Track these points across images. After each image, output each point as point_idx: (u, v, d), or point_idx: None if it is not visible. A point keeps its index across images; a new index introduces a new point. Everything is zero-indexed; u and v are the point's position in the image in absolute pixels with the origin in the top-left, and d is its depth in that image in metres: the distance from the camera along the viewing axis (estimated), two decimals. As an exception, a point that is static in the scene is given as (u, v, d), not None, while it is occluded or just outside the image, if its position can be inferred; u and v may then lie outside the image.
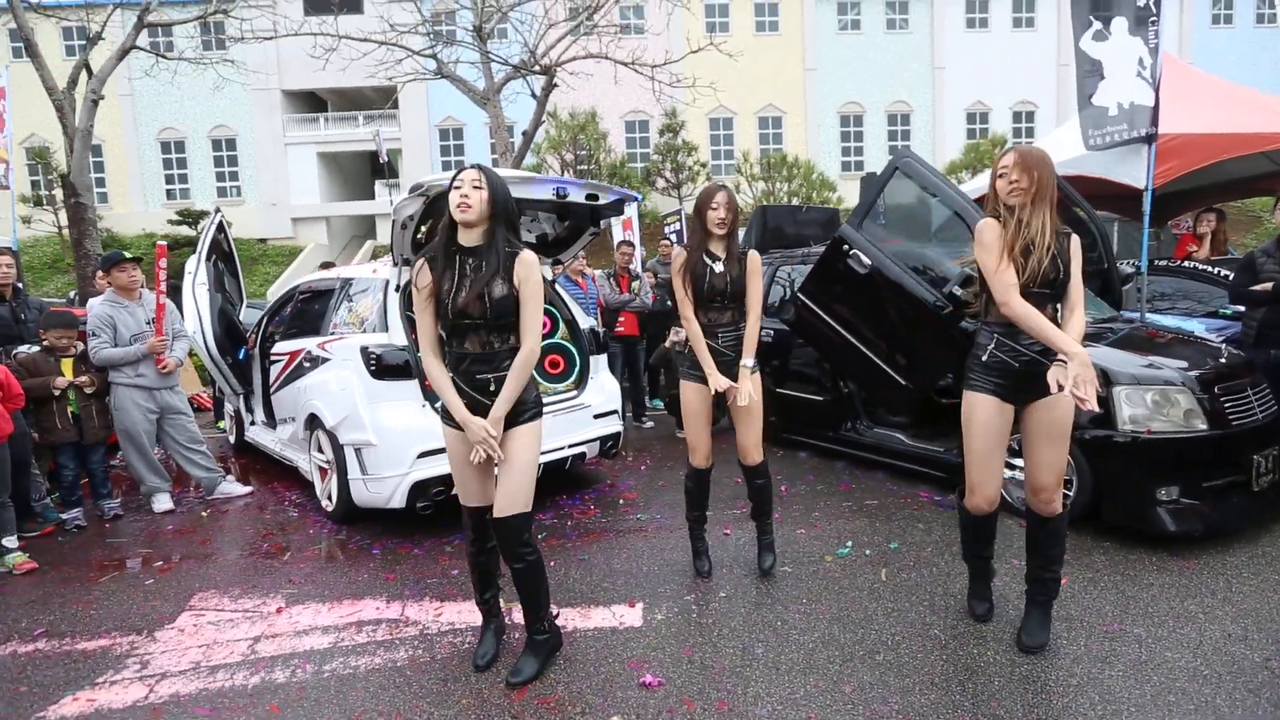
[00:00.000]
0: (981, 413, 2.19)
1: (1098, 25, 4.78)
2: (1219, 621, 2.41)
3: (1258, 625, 2.37)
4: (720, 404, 2.86)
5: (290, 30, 7.55)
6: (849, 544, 3.24)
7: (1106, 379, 3.10)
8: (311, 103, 26.59)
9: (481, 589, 2.34)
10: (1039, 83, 25.47)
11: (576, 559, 3.22)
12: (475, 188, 2.02)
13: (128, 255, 4.30)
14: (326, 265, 9.23)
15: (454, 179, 2.06)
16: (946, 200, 3.64)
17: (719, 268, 2.71)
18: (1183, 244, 5.70)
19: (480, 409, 2.08)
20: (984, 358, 2.20)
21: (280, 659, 2.44)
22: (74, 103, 8.39)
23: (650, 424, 6.07)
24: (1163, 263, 5.28)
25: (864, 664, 2.24)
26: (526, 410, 2.13)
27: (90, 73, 8.40)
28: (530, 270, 2.05)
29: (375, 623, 2.68)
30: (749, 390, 2.71)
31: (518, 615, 2.39)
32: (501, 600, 2.43)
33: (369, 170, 24.46)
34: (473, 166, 2.07)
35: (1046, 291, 2.11)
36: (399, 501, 3.44)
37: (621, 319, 5.90)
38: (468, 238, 2.06)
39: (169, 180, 24.79)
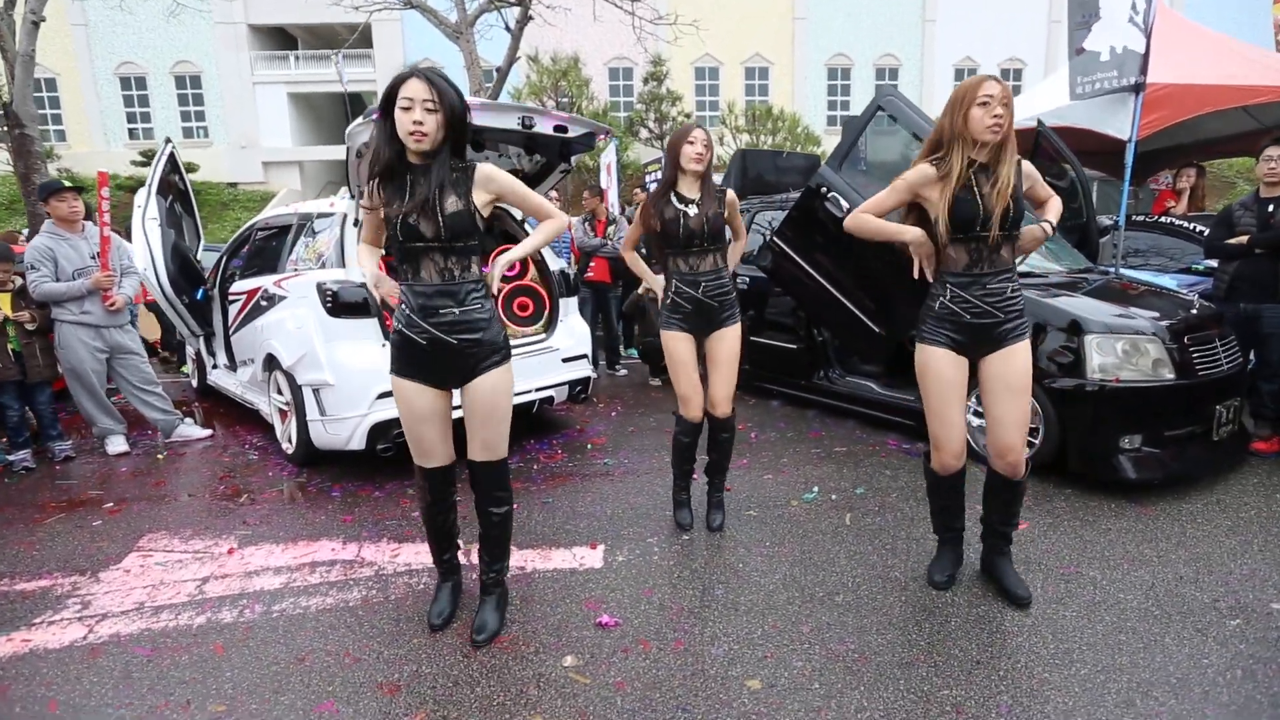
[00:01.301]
0: (935, 365, 2.08)
1: (1092, -32, 4.56)
2: (1172, 565, 2.41)
3: (1208, 569, 2.38)
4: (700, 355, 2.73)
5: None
6: (815, 489, 3.20)
7: (1078, 328, 3.05)
8: (281, 39, 25.20)
9: (441, 549, 2.15)
10: (1029, 40, 24.99)
11: (540, 502, 3.15)
12: (429, 110, 1.70)
13: (67, 184, 4.01)
14: None
15: (397, 89, 1.71)
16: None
17: (693, 210, 2.55)
18: (1161, 199, 5.63)
19: (444, 350, 1.83)
20: (936, 308, 2.08)
21: (228, 599, 2.35)
22: (13, 25, 7.76)
23: (624, 372, 5.98)
24: (1140, 218, 5.21)
25: (823, 605, 2.21)
26: (496, 353, 1.90)
27: (29, -8, 7.74)
28: (496, 174, 1.85)
29: (329, 564, 2.59)
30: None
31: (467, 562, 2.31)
32: (461, 548, 2.33)
33: (344, 112, 23.35)
34: (417, 75, 1.70)
35: (1001, 233, 1.99)
36: (358, 443, 3.32)
37: (593, 264, 5.73)
38: (414, 156, 1.81)
39: (130, 119, 23.52)
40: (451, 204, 1.77)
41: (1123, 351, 2.99)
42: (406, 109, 1.72)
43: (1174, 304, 3.39)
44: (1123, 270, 4.66)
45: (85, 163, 22.10)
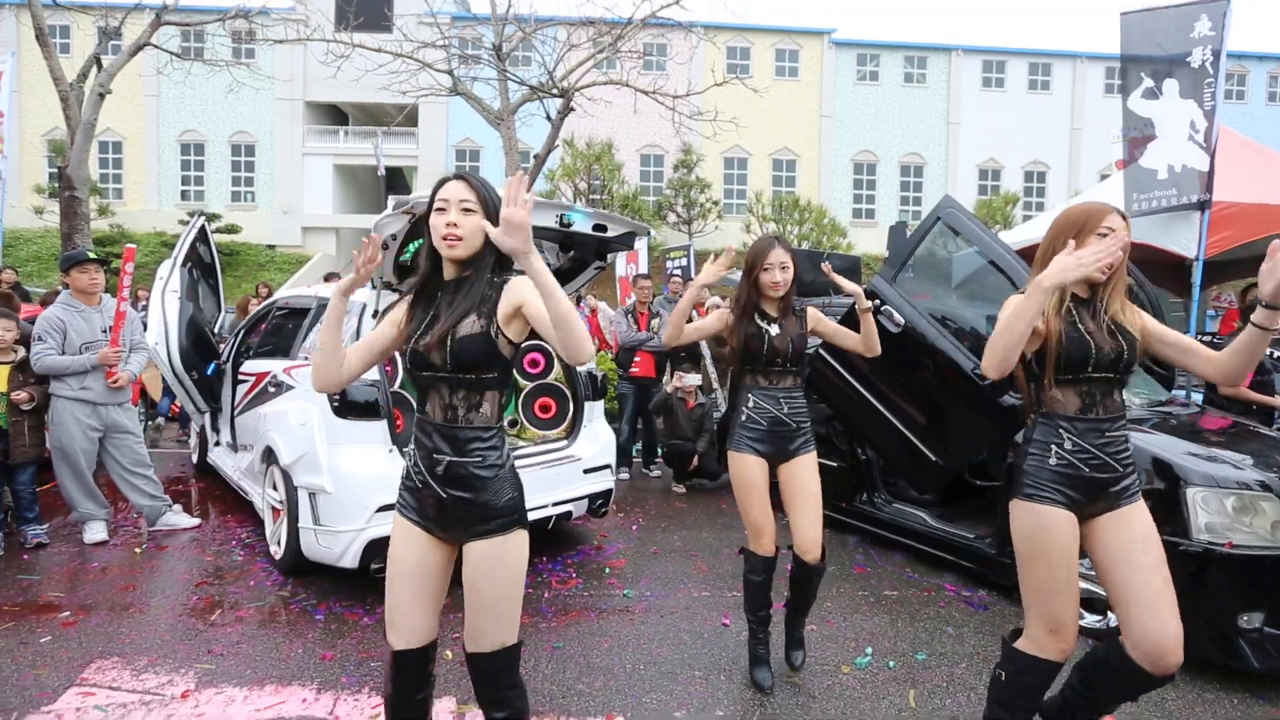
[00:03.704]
0: (1054, 529, 1.68)
1: (1149, 83, 4.44)
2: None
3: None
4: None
5: (305, 36, 7.30)
6: (868, 650, 2.74)
7: (1175, 478, 2.64)
8: (334, 115, 26.67)
9: None
10: (1052, 144, 25.56)
11: (549, 646, 2.72)
12: (465, 210, 1.48)
13: (91, 255, 3.89)
14: (331, 277, 8.83)
15: (435, 194, 1.51)
16: (993, 256, 3.22)
17: (775, 330, 2.37)
18: (1228, 319, 5.29)
19: (437, 502, 1.49)
20: (1052, 462, 1.71)
21: (167, 771, 1.93)
22: (81, 95, 8.09)
23: (657, 473, 5.61)
24: (1207, 338, 4.86)
25: (898, 842, 1.74)
26: (494, 518, 1.50)
27: (100, 67, 8.13)
28: (524, 285, 1.48)
29: (296, 723, 2.18)
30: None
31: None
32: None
33: (383, 185, 24.37)
34: (457, 178, 1.51)
35: (1112, 375, 1.70)
36: (350, 561, 2.96)
37: (637, 359, 5.48)
38: (453, 270, 1.54)
39: (185, 181, 24.70)
40: (468, 325, 1.46)
41: (1233, 509, 2.56)
42: (441, 210, 1.49)
43: (1275, 447, 2.98)
44: (1195, 395, 4.28)
45: (136, 220, 23.07)
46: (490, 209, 1.50)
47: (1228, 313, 5.42)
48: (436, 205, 1.50)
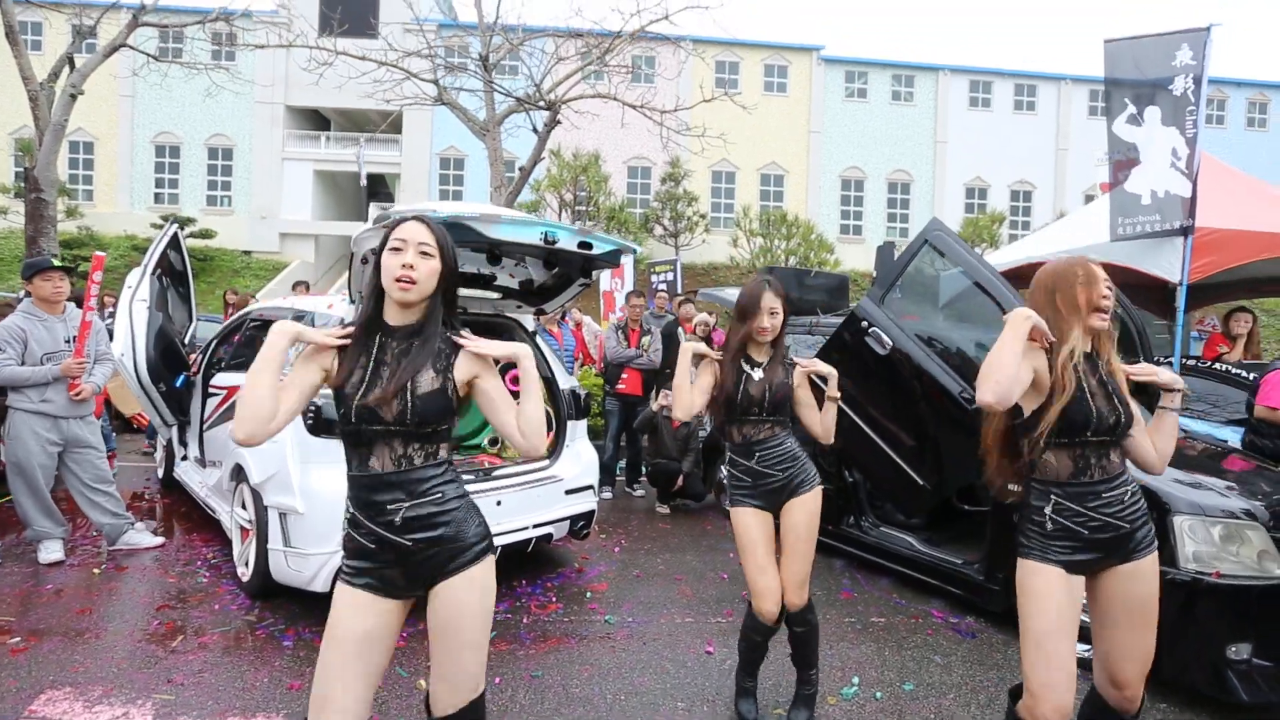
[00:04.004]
0: (1044, 589, 1.65)
1: (1132, 109, 4.56)
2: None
3: None
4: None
5: (287, 42, 7.26)
6: (855, 680, 2.72)
7: (1162, 506, 2.67)
8: (315, 120, 26.54)
9: None
10: (1037, 164, 26.14)
11: (527, 675, 2.67)
12: (423, 254, 1.44)
13: (56, 263, 3.80)
14: (299, 286, 8.71)
15: (389, 233, 1.46)
16: (980, 280, 3.27)
17: (757, 375, 2.30)
18: (1211, 343, 5.40)
19: (398, 553, 1.42)
20: (1046, 526, 1.69)
21: (120, 812, 1.86)
22: (52, 95, 7.98)
23: (641, 493, 5.58)
24: (1191, 362, 4.95)
25: None
26: (466, 550, 1.46)
27: (73, 67, 8.02)
28: (482, 367, 1.50)
29: (259, 759, 2.11)
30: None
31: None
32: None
33: (365, 192, 24.24)
34: (415, 218, 1.48)
35: (1108, 439, 1.67)
36: (322, 585, 2.89)
37: (624, 375, 5.46)
38: (399, 315, 1.49)
39: (159, 184, 24.37)
40: (426, 381, 1.43)
41: (1220, 538, 2.60)
42: (397, 250, 1.44)
43: (1265, 477, 3.03)
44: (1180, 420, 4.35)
45: (107, 222, 22.69)
46: (447, 257, 1.48)
47: (1211, 336, 5.54)
48: (392, 245, 1.45)
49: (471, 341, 1.50)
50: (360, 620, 1.43)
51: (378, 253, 1.49)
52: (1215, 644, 2.52)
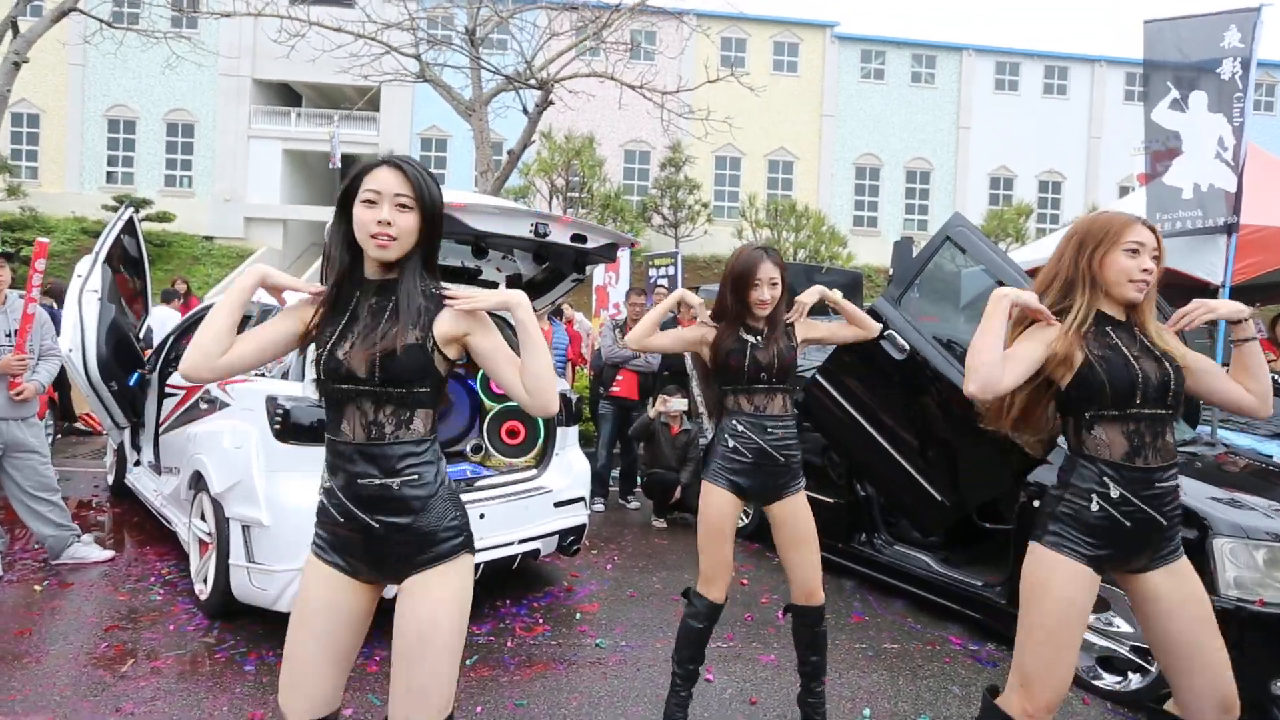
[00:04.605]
0: (1066, 588, 1.66)
1: (1175, 94, 4.57)
2: None
3: None
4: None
5: (255, 10, 7.24)
6: (866, 712, 2.73)
7: (1202, 526, 2.69)
8: (285, 95, 26.47)
9: None
10: (1068, 153, 26.26)
11: (510, 704, 2.67)
12: (400, 207, 1.42)
13: (-2, 249, 3.78)
14: None
15: (360, 180, 1.43)
16: (1005, 280, 3.28)
17: (759, 340, 2.33)
18: (1255, 351, 5.42)
19: (366, 534, 1.42)
20: (1093, 510, 1.67)
21: None
22: (-6, 64, 7.93)
23: (635, 504, 5.59)
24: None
25: None
26: (435, 544, 1.44)
27: (16, 32, 7.98)
28: (473, 323, 1.49)
29: (217, 795, 2.10)
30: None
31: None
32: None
33: (339, 174, 24.24)
34: (390, 162, 1.44)
35: (1162, 411, 1.67)
36: (287, 604, 2.87)
37: (619, 377, 5.46)
38: (376, 268, 1.49)
39: (111, 162, 24.26)
40: (398, 334, 1.41)
41: (1264, 562, 2.61)
42: (371, 203, 1.42)
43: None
44: (1220, 432, 4.38)
45: (54, 203, 22.56)
46: (427, 205, 1.45)
47: (1258, 343, 5.57)
48: (364, 196, 1.42)
49: (458, 296, 1.47)
50: (326, 593, 1.45)
51: (347, 201, 1.46)
52: (1259, 679, 2.54)
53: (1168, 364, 1.67)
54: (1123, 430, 1.67)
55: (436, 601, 1.42)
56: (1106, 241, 1.70)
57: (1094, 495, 1.68)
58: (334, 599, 1.45)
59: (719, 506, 2.32)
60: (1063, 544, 1.70)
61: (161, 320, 6.77)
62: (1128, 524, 1.66)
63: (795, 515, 2.38)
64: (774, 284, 2.31)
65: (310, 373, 3.03)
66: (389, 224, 1.40)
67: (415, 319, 1.43)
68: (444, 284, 1.53)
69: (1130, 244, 1.68)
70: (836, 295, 2.46)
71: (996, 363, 1.63)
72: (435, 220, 1.48)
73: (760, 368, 2.30)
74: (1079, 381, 1.68)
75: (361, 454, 1.42)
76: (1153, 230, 1.71)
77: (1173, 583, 1.69)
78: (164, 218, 21.32)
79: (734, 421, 2.35)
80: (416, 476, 1.43)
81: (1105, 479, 1.67)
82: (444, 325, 1.46)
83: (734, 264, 2.36)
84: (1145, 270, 1.67)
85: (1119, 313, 1.74)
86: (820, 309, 2.52)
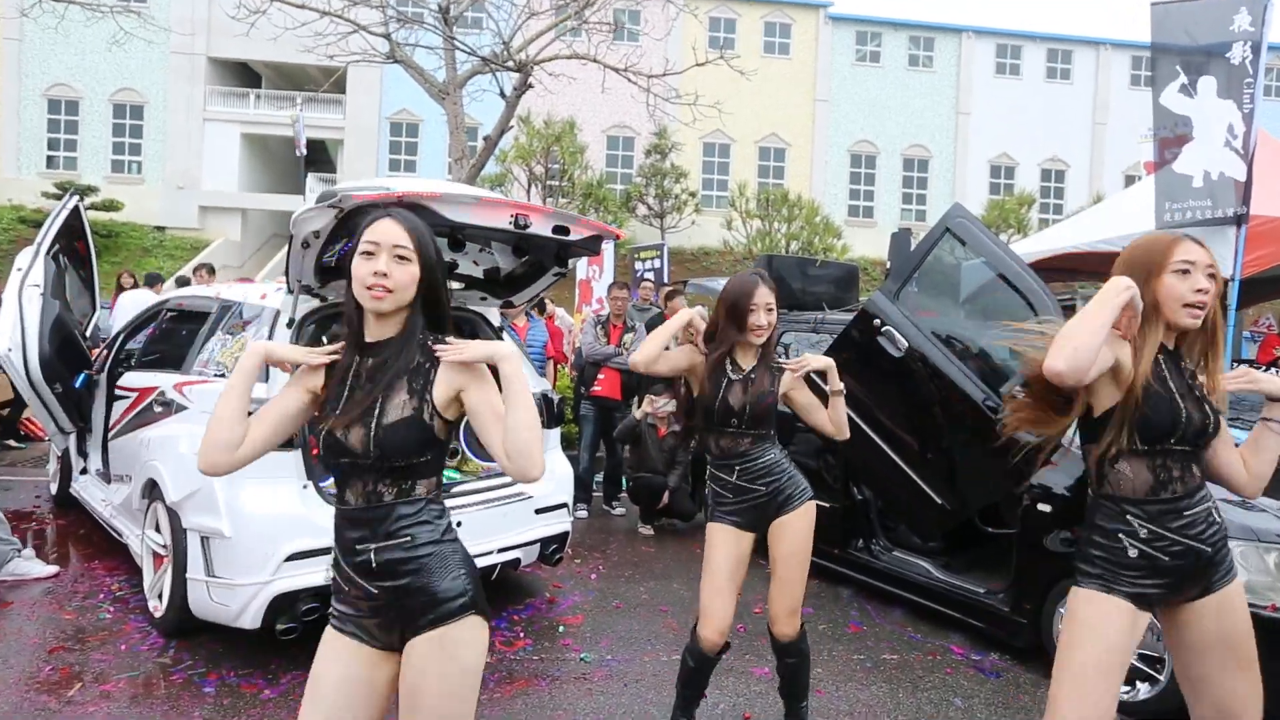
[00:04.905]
0: (1099, 619, 1.66)
1: (1183, 79, 4.65)
2: None
3: None
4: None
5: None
6: (865, 727, 2.77)
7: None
8: (243, 76, 26.20)
9: None
10: (1072, 140, 26.63)
11: (491, 724, 2.67)
12: (399, 258, 1.44)
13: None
14: (200, 271, 8.35)
15: (361, 230, 1.47)
16: (1007, 273, 3.33)
17: (739, 383, 2.37)
18: (1268, 346, 5.56)
19: (363, 602, 1.45)
20: (1131, 554, 1.68)
21: None
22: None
23: (621, 511, 5.60)
24: (1244, 364, 5.10)
25: None
26: (446, 600, 1.44)
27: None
28: (468, 376, 1.49)
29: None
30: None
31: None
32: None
33: (304, 161, 24.04)
34: (391, 215, 1.47)
35: (1191, 448, 1.68)
36: (251, 621, 2.86)
37: (601, 376, 5.47)
38: (375, 327, 1.50)
39: (53, 145, 23.88)
40: (396, 407, 1.43)
41: (1276, 566, 2.68)
42: (369, 255, 1.43)
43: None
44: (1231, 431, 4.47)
45: (-11, 191, 22.16)
46: (427, 258, 1.48)
47: (1267, 338, 5.69)
48: (363, 249, 1.45)
49: (448, 348, 1.47)
50: (339, 666, 1.45)
51: (321, 235, 1.47)
52: (1272, 690, 2.59)
53: (1208, 408, 1.68)
54: (1149, 465, 1.68)
55: (427, 668, 1.42)
56: (1157, 270, 1.68)
57: (1122, 536, 1.69)
58: (349, 673, 1.46)
59: (712, 542, 2.42)
60: (1101, 582, 1.70)
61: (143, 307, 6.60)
62: (1166, 559, 1.66)
63: (781, 535, 2.43)
64: (769, 309, 2.37)
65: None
66: (385, 275, 1.42)
67: (410, 383, 1.45)
68: (439, 338, 1.53)
69: (1179, 264, 1.65)
70: (840, 389, 2.48)
71: (1096, 347, 1.55)
72: (433, 276, 1.50)
73: (730, 412, 2.36)
74: (1111, 411, 1.68)
75: (358, 520, 1.46)
76: (1200, 246, 1.68)
77: (1216, 616, 1.69)
78: (111, 206, 21.00)
79: (709, 459, 2.48)
80: (410, 538, 1.45)
81: (1129, 518, 1.68)
82: (441, 386, 1.47)
83: (729, 290, 2.42)
84: (1199, 290, 1.64)
85: (1169, 339, 1.72)
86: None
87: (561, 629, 3.51)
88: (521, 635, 3.42)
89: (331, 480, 1.53)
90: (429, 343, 1.50)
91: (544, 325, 6.10)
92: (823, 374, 2.47)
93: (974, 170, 26.49)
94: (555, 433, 3.86)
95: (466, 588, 1.47)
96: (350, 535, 1.46)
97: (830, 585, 4.18)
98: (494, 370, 1.50)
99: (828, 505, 4.30)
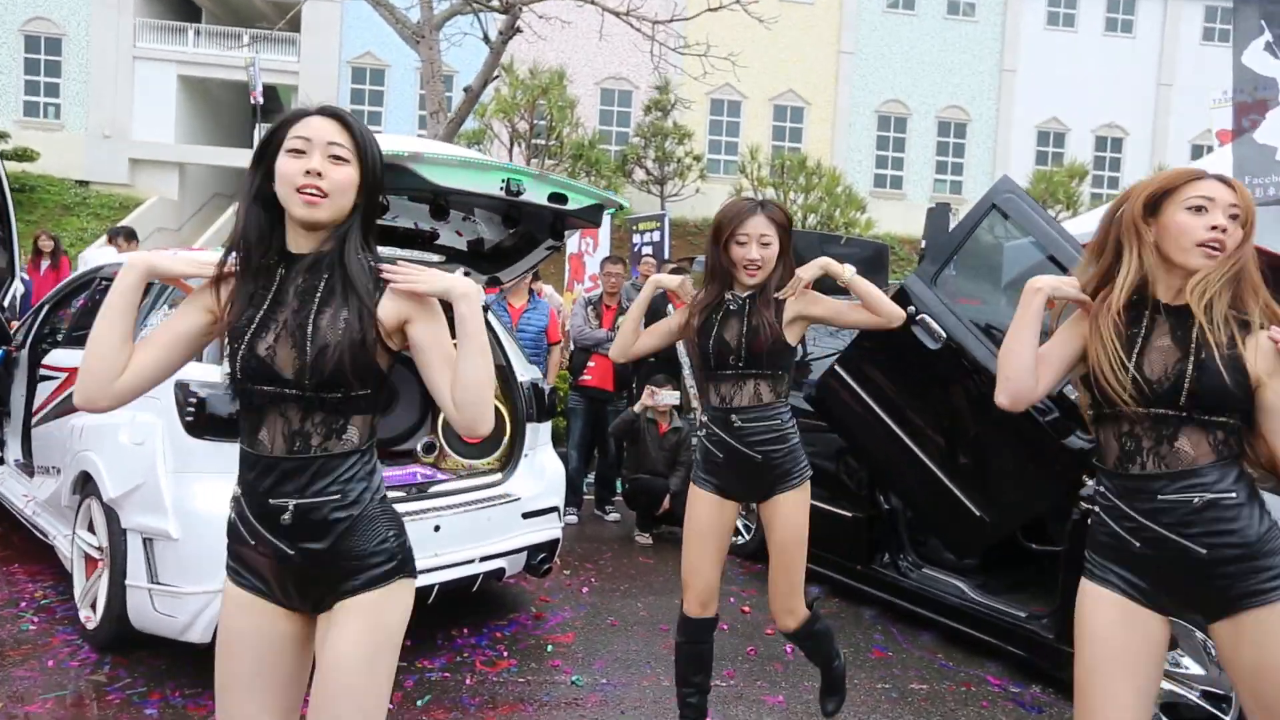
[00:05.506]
0: (1090, 615, 1.70)
1: (1268, 35, 4.65)
2: None
3: None
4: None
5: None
6: (890, 763, 2.83)
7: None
8: (180, 8, 25.91)
9: None
10: (1132, 104, 26.61)
11: (471, 753, 2.72)
12: (334, 158, 1.41)
13: None
14: (115, 238, 7.95)
15: (286, 127, 1.42)
16: (1059, 255, 3.37)
17: (733, 316, 2.36)
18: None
19: (285, 563, 1.43)
20: (1097, 534, 1.72)
21: None
22: None
23: (615, 516, 5.66)
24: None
25: None
26: (372, 563, 1.44)
27: None
28: (419, 308, 1.47)
29: None
30: None
31: None
32: None
33: (257, 110, 23.88)
34: (323, 112, 1.44)
35: (1168, 411, 1.58)
36: (200, 634, 2.88)
37: (591, 363, 5.49)
38: (302, 240, 1.46)
39: (-47, 85, 23.54)
40: (333, 327, 1.39)
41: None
42: (298, 152, 1.40)
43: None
44: None
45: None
46: (368, 161, 1.46)
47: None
48: (291, 145, 1.41)
49: (397, 273, 1.44)
50: (251, 618, 1.46)
51: (266, 155, 1.46)
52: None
53: (1197, 358, 1.55)
54: (1113, 432, 1.67)
55: (344, 636, 1.42)
56: (1160, 197, 1.62)
57: (1098, 509, 1.72)
58: (260, 624, 1.46)
59: (697, 506, 2.46)
60: (1089, 570, 1.74)
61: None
62: (1136, 544, 1.62)
63: (776, 516, 2.45)
64: (765, 243, 2.32)
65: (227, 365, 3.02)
66: (319, 175, 1.39)
67: (348, 301, 1.41)
68: (382, 257, 1.52)
69: (1193, 200, 1.57)
70: (848, 271, 2.44)
71: (1029, 369, 1.65)
72: (375, 184, 1.48)
73: (727, 349, 2.32)
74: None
75: (278, 469, 1.42)
76: (1227, 185, 1.59)
77: (1246, 644, 1.59)
78: (25, 156, 20.75)
79: (704, 416, 2.49)
80: (340, 496, 1.43)
81: (1103, 489, 1.71)
82: (386, 311, 1.45)
83: (719, 215, 2.42)
84: (1215, 228, 1.54)
85: (1176, 297, 1.62)
86: (832, 286, 2.56)
87: (550, 648, 3.56)
88: (505, 655, 3.46)
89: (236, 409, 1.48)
90: (373, 263, 1.47)
91: (546, 308, 5.96)
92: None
93: (1019, 137, 26.50)
94: (546, 427, 3.89)
95: (398, 550, 1.48)
96: (264, 484, 1.41)
97: (852, 605, 4.24)
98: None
99: (849, 515, 4.38)
